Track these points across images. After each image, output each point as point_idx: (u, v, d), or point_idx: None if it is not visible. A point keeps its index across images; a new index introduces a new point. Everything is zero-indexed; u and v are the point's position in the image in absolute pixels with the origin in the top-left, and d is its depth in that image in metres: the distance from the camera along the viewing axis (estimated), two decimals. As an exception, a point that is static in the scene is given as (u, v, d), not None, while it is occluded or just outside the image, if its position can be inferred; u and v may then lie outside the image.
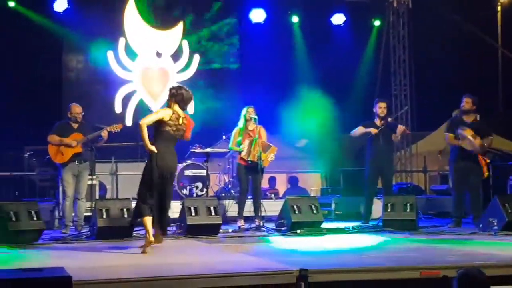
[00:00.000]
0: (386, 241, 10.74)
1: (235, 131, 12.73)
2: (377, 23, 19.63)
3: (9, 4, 16.76)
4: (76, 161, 12.04)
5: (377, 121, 13.17)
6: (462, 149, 12.44)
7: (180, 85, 10.13)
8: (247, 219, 12.90)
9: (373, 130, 13.00)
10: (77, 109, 12.21)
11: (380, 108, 13.20)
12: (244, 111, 12.61)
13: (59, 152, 12.02)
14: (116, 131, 12.20)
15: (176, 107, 9.59)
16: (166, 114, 9.48)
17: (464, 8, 17.98)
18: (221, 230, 11.63)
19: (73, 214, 12.13)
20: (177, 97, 9.61)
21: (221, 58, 19.07)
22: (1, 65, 15.97)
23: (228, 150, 13.88)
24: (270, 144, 12.56)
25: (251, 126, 12.59)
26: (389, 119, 13.27)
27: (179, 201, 12.99)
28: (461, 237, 11.13)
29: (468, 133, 12.31)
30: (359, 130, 13.19)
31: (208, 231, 11.30)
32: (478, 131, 12.41)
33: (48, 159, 12.47)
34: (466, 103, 12.58)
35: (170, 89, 9.79)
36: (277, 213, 12.63)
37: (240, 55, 19.06)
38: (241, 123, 12.66)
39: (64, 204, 12.08)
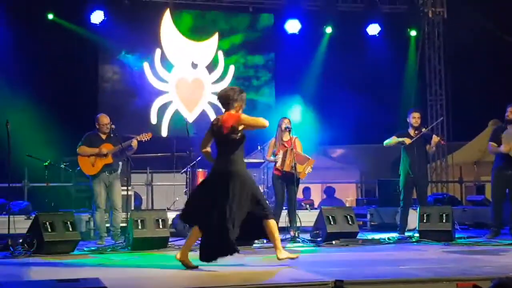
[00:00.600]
0: (422, 252, 10.66)
1: (271, 141, 12.73)
2: (413, 33, 19.51)
3: (48, 16, 16.94)
4: (106, 172, 12.07)
5: (411, 131, 13.10)
6: (506, 158, 12.27)
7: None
8: (282, 229, 12.87)
9: (407, 140, 12.92)
10: (105, 120, 12.21)
11: (414, 118, 13.12)
12: (279, 122, 12.60)
13: (89, 163, 12.06)
14: (146, 139, 12.21)
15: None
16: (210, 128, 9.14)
17: (501, 18, 17.85)
18: (256, 241, 11.60)
19: (108, 224, 12.18)
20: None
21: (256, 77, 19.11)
22: (39, 76, 16.12)
23: (263, 160, 13.87)
24: (308, 157, 12.50)
25: (286, 137, 12.56)
26: (424, 129, 13.19)
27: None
28: (498, 248, 11.00)
29: None
30: (393, 140, 13.13)
31: (243, 241, 11.27)
32: None
33: (79, 171, 12.50)
34: (511, 112, 12.36)
35: None
36: (312, 224, 12.59)
37: (274, 65, 19.07)
38: (276, 133, 12.66)
39: (95, 215, 12.11)
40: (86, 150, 12.07)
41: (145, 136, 12.19)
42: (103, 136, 12.19)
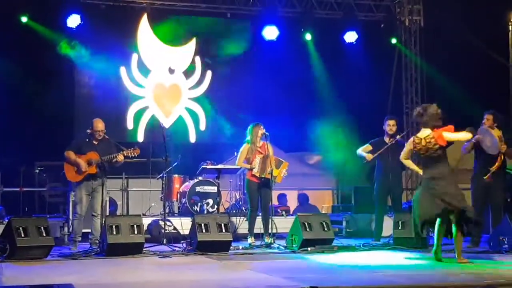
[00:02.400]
0: (397, 259, 10.68)
1: (244, 148, 12.67)
2: (394, 41, 19.51)
3: (22, 19, 16.71)
4: (91, 179, 11.96)
5: (387, 139, 13.13)
6: (484, 166, 12.31)
7: (423, 105, 10.59)
8: (258, 236, 12.86)
9: (368, 157, 12.98)
10: (99, 126, 12.05)
11: (389, 125, 13.17)
12: (253, 128, 12.57)
13: (73, 170, 11.92)
14: (133, 155, 12.14)
15: (423, 131, 10.38)
16: (410, 144, 10.46)
17: (476, 27, 17.92)
18: (231, 247, 11.59)
19: (87, 230, 12.07)
20: (420, 118, 10.38)
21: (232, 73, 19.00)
22: (13, 80, 15.99)
23: (239, 166, 13.84)
24: (282, 160, 12.60)
25: (259, 143, 12.57)
26: (398, 137, 13.20)
27: (189, 218, 12.99)
28: (471, 255, 11.02)
29: (495, 132, 12.14)
30: (361, 150, 13.16)
31: (218, 248, 11.26)
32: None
33: (63, 174, 12.35)
34: (487, 120, 12.36)
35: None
36: (288, 230, 12.59)
37: (252, 71, 19.02)
38: (249, 139, 12.62)
39: (73, 220, 12.01)
40: (71, 157, 11.88)
41: (132, 152, 12.10)
42: (95, 143, 12.04)
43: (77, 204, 11.94)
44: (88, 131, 12.13)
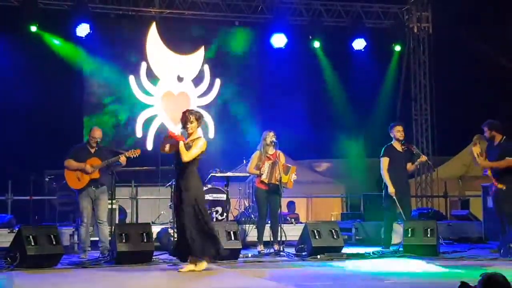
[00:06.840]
0: (407, 267, 10.67)
1: (255, 154, 12.70)
2: (397, 48, 19.50)
3: (31, 28, 16.65)
4: (93, 186, 11.85)
5: (397, 145, 13.03)
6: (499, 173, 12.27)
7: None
8: (267, 243, 12.84)
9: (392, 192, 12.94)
10: (96, 133, 12.00)
11: (399, 131, 13.07)
12: (264, 135, 12.59)
13: (75, 177, 11.86)
14: (134, 156, 12.09)
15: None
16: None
17: (485, 34, 17.94)
18: (241, 255, 11.58)
19: (96, 238, 12.05)
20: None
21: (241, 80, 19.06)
22: (23, 88, 16.05)
23: (248, 174, 13.84)
24: (289, 165, 12.62)
25: (271, 150, 12.57)
26: (414, 148, 13.19)
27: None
28: (482, 262, 11.02)
29: (475, 150, 12.20)
30: (386, 170, 13.03)
31: (228, 256, 11.24)
32: (503, 151, 12.17)
33: (65, 184, 12.34)
34: (486, 132, 12.39)
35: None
36: (297, 238, 12.58)
37: (260, 78, 19.06)
38: (260, 146, 12.64)
39: (80, 229, 11.98)
40: (73, 164, 11.84)
41: (134, 153, 12.03)
42: (92, 150, 11.98)
43: (82, 213, 11.84)
44: (88, 138, 12.10)
